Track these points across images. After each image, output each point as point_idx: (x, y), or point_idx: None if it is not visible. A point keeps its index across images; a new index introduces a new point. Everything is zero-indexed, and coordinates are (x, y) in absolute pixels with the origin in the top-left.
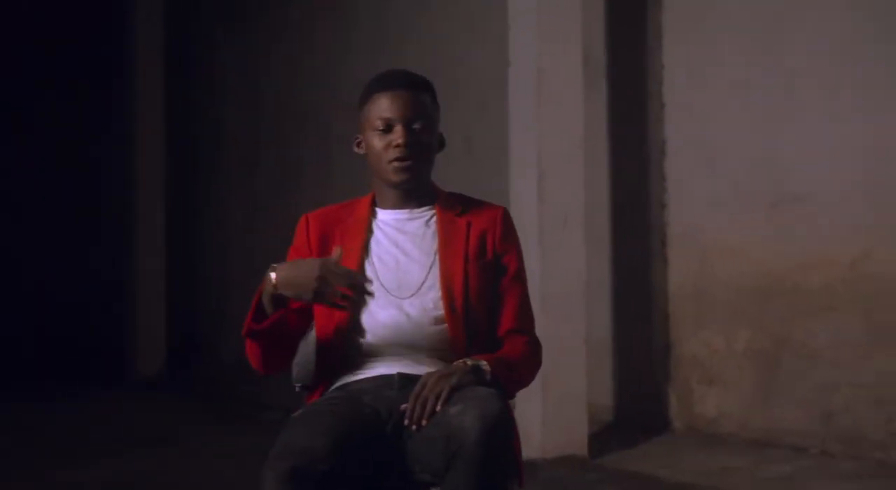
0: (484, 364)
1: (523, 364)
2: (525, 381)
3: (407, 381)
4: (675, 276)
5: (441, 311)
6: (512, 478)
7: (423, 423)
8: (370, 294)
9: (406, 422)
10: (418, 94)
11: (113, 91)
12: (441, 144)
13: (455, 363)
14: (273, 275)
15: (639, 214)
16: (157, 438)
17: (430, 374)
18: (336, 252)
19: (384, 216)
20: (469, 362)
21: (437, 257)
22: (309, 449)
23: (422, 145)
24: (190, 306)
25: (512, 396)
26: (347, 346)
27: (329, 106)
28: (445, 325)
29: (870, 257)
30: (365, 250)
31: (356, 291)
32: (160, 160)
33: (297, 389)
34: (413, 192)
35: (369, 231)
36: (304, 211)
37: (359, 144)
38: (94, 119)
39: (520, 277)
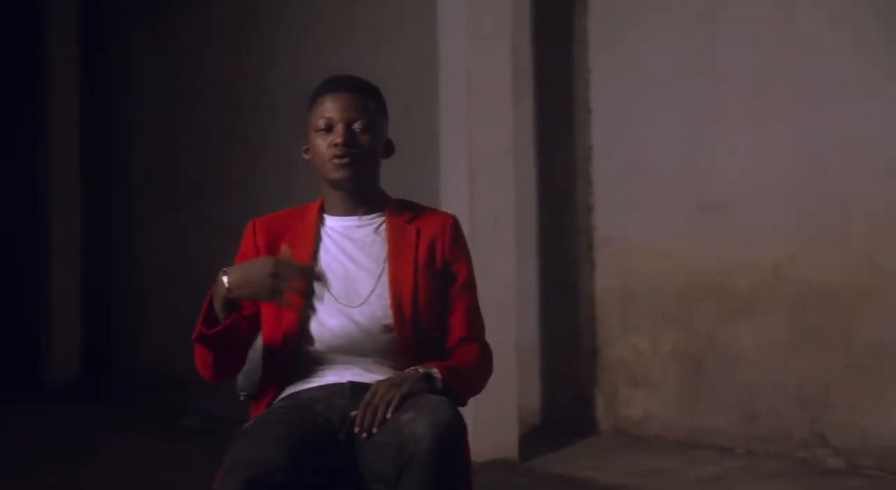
0: (435, 372)
1: (475, 371)
2: (477, 388)
3: (358, 389)
4: (602, 279)
5: (390, 320)
6: (463, 485)
7: (374, 431)
8: (326, 287)
9: (356, 429)
10: (361, 97)
11: (26, 92)
12: (389, 150)
13: (406, 371)
14: (225, 278)
15: (566, 218)
16: (73, 448)
17: (381, 382)
18: (285, 252)
19: (332, 223)
20: (421, 370)
21: (387, 265)
22: (263, 460)
23: (361, 146)
24: (105, 312)
25: (464, 404)
26: (295, 355)
27: (252, 109)
28: (395, 334)
29: (793, 261)
30: (314, 258)
31: (311, 286)
32: (75, 162)
33: (241, 398)
34: (360, 197)
35: (318, 238)
36: (222, 215)
37: (306, 150)
38: (4, 120)
39: (470, 284)
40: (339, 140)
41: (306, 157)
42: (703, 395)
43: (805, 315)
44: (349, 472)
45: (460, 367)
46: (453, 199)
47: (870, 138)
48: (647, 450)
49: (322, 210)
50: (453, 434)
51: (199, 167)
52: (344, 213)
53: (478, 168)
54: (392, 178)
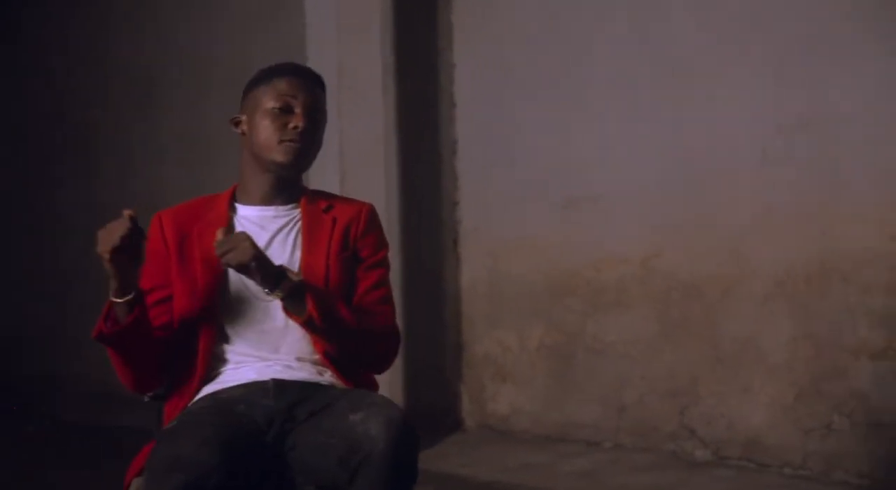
0: (297, 277)
1: (357, 324)
2: (352, 346)
3: (282, 387)
4: (468, 273)
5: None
6: (412, 486)
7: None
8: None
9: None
10: (317, 87)
11: None
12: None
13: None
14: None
15: (431, 212)
16: None
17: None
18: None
19: (246, 212)
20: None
21: (300, 255)
22: (198, 462)
23: (314, 136)
24: None
25: (327, 338)
26: (210, 352)
27: (93, 96)
28: None
29: (660, 255)
30: None
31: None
32: None
33: (145, 399)
34: (283, 187)
35: (230, 229)
36: (62, 205)
37: (238, 124)
38: None
39: (380, 266)
40: (300, 124)
41: (236, 130)
42: (571, 389)
43: (672, 308)
44: (279, 474)
45: (338, 303)
46: None
47: (736, 132)
48: (516, 445)
49: (233, 199)
50: (408, 433)
51: (42, 159)
52: (261, 202)
53: (349, 163)
54: None
